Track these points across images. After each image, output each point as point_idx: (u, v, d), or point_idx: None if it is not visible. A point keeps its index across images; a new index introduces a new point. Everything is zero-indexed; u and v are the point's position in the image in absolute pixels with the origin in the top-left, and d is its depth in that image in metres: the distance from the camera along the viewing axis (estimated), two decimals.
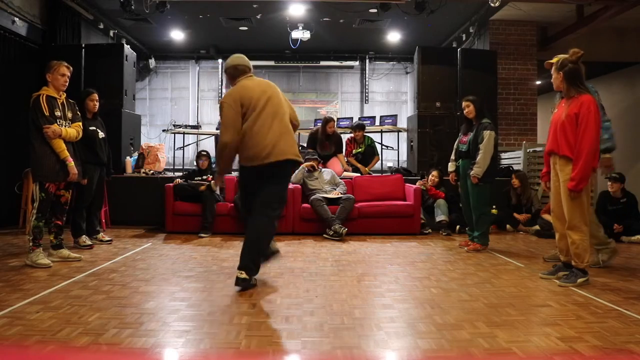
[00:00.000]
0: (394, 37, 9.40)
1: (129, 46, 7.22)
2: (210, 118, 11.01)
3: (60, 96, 4.02)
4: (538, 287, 3.34)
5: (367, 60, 11.13)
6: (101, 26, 8.17)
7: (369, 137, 6.96)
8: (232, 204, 5.67)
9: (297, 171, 5.99)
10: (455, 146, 5.00)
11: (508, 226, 6.26)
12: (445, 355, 2.16)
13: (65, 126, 3.94)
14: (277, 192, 3.34)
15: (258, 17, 8.15)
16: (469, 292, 3.17)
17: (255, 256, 3.24)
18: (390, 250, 4.76)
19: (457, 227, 5.93)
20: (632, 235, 5.41)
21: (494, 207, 5.91)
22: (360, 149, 6.85)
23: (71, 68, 4.09)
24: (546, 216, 5.58)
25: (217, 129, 8.53)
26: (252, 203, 3.32)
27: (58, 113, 3.92)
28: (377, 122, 7.78)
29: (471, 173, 4.59)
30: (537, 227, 5.83)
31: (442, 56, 7.37)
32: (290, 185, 5.85)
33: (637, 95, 8.47)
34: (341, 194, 5.82)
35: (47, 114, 3.82)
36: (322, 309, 2.79)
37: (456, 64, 7.23)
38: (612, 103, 8.39)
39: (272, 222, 3.32)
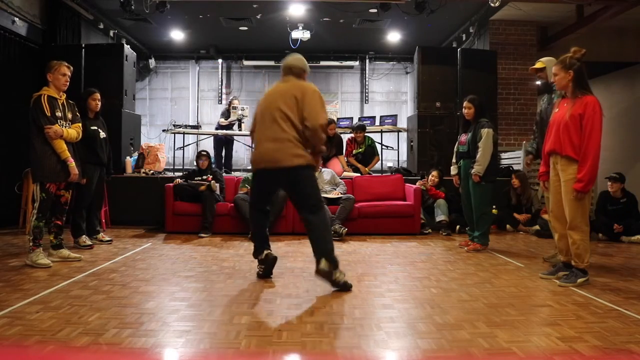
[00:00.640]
0: (394, 37, 9.40)
1: (129, 46, 7.22)
2: (210, 118, 11.01)
3: (61, 96, 4.02)
4: (538, 287, 3.34)
5: (367, 60, 11.13)
6: (101, 26, 8.18)
7: (369, 137, 6.96)
8: (232, 204, 5.67)
9: None
10: (455, 149, 4.99)
11: (508, 226, 6.26)
12: (445, 355, 2.16)
13: (65, 127, 3.94)
14: (302, 195, 3.37)
15: (258, 17, 8.15)
16: (469, 292, 3.17)
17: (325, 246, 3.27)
18: (390, 250, 4.76)
19: (457, 227, 5.93)
20: (632, 235, 5.41)
21: (494, 207, 5.90)
22: (360, 149, 6.85)
23: (72, 68, 4.09)
24: (546, 216, 5.56)
25: (216, 128, 8.55)
26: (264, 202, 3.53)
27: (59, 113, 3.92)
28: (377, 122, 7.78)
29: (472, 172, 4.59)
30: (537, 227, 5.83)
31: (442, 56, 7.38)
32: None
33: (637, 95, 8.46)
34: (341, 194, 5.82)
35: (48, 114, 3.82)
36: (322, 309, 2.79)
37: (456, 64, 7.24)
38: (612, 103, 8.39)
39: (320, 216, 3.38)
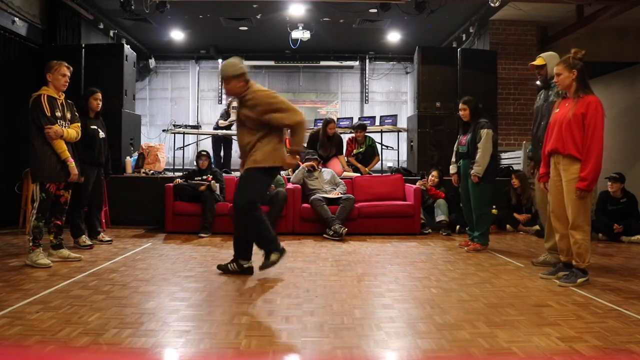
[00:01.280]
0: (394, 37, 9.40)
1: (129, 46, 7.22)
2: (210, 118, 11.01)
3: (60, 96, 4.02)
4: (538, 287, 3.34)
5: (367, 60, 11.14)
6: (101, 26, 8.18)
7: (369, 137, 6.96)
8: (232, 204, 5.65)
9: (297, 171, 6.01)
10: (455, 148, 5.00)
11: (508, 226, 6.26)
12: (445, 355, 2.16)
13: (65, 127, 3.94)
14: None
15: (258, 17, 8.15)
16: (469, 292, 3.17)
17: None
18: (390, 250, 4.76)
19: (457, 227, 5.93)
20: (632, 235, 5.41)
21: (494, 207, 5.91)
22: (360, 149, 6.85)
23: (71, 68, 4.08)
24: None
25: (214, 128, 8.55)
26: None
27: (58, 113, 3.91)
28: (377, 122, 7.78)
29: (471, 172, 4.59)
30: (537, 227, 5.82)
31: (442, 56, 7.38)
32: (290, 185, 5.87)
33: (637, 95, 8.46)
34: (341, 194, 5.82)
35: (48, 114, 3.82)
36: (322, 309, 2.79)
37: (456, 64, 7.24)
38: (612, 103, 8.39)
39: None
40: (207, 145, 8.75)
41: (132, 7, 6.71)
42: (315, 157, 6.18)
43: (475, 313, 2.73)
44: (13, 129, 6.17)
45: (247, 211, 3.47)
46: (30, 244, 3.83)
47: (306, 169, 5.99)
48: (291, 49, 9.65)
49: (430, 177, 6.20)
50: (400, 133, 8.00)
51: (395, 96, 11.49)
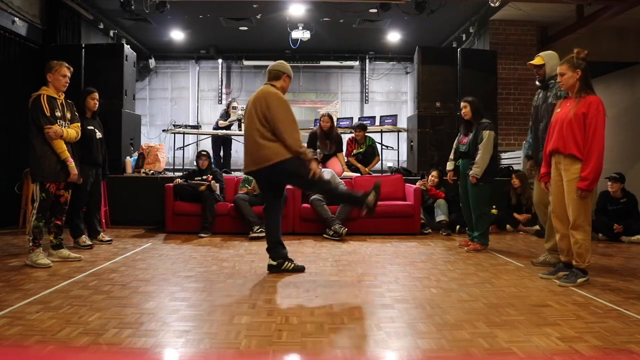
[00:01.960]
0: (394, 37, 9.40)
1: (129, 46, 7.22)
2: (210, 118, 11.01)
3: (60, 96, 4.01)
4: (538, 287, 3.33)
5: (367, 60, 11.14)
6: (101, 26, 8.18)
7: (370, 137, 6.96)
8: (232, 204, 5.67)
9: None
10: (454, 145, 4.99)
11: (508, 226, 6.26)
12: (445, 355, 2.16)
13: (64, 127, 3.94)
14: (298, 184, 4.43)
15: (258, 17, 8.15)
16: (469, 292, 3.17)
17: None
18: (390, 250, 4.76)
19: (457, 227, 5.93)
20: (632, 235, 5.41)
21: (494, 207, 5.91)
22: (361, 149, 6.84)
23: (72, 69, 4.09)
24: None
25: (214, 128, 8.55)
26: (268, 199, 3.84)
27: (58, 113, 3.91)
28: (377, 122, 7.78)
29: (470, 173, 4.59)
30: (537, 227, 5.82)
31: (442, 56, 7.37)
32: (290, 185, 5.85)
33: (637, 95, 8.46)
34: None
35: (48, 114, 3.81)
36: (322, 309, 2.79)
37: (456, 64, 7.23)
38: (612, 103, 8.38)
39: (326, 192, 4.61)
40: (207, 145, 8.76)
41: (132, 7, 6.71)
42: (316, 157, 6.17)
43: (475, 313, 2.73)
44: (13, 129, 6.17)
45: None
46: (30, 244, 3.84)
47: None
48: (291, 49, 9.65)
49: (430, 177, 6.20)
50: (400, 133, 8.00)
51: (395, 96, 11.49)
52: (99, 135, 4.85)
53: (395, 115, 7.84)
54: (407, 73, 11.22)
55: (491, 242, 4.87)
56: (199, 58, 11.06)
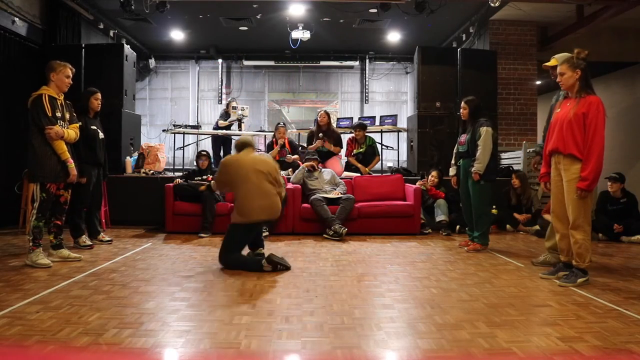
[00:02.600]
0: (394, 37, 9.40)
1: (129, 46, 7.22)
2: (210, 118, 11.01)
3: (60, 97, 4.01)
4: (538, 287, 3.34)
5: (367, 60, 11.14)
6: (101, 26, 8.17)
7: (370, 137, 6.96)
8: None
9: (297, 171, 6.02)
10: (455, 150, 5.00)
11: (508, 226, 6.26)
12: (445, 355, 2.16)
13: (64, 127, 3.94)
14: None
15: (258, 17, 8.15)
16: (469, 292, 3.17)
17: None
18: (390, 250, 4.76)
19: (457, 227, 5.93)
20: (632, 235, 5.41)
21: (494, 207, 5.91)
22: (361, 149, 6.84)
23: (74, 70, 4.09)
24: (547, 216, 5.57)
25: (214, 128, 8.55)
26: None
27: (59, 114, 3.91)
28: (377, 122, 7.77)
29: (472, 170, 4.59)
30: (537, 227, 5.83)
31: (442, 56, 7.38)
32: (291, 185, 5.87)
33: (637, 95, 8.47)
34: (341, 194, 5.82)
35: (49, 114, 3.81)
36: (322, 309, 2.79)
37: (456, 64, 7.23)
38: (612, 103, 8.40)
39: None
40: (206, 145, 8.76)
41: (132, 7, 6.71)
42: (316, 157, 6.18)
43: (475, 313, 2.73)
44: (13, 129, 6.17)
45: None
46: (30, 244, 3.83)
47: (306, 169, 5.99)
48: (291, 49, 9.65)
49: (430, 177, 6.20)
50: (400, 133, 8.00)
51: (395, 96, 11.49)
52: (101, 135, 4.85)
53: (395, 115, 7.83)
54: (407, 73, 11.22)
55: (491, 242, 4.87)
56: (199, 58, 11.06)
